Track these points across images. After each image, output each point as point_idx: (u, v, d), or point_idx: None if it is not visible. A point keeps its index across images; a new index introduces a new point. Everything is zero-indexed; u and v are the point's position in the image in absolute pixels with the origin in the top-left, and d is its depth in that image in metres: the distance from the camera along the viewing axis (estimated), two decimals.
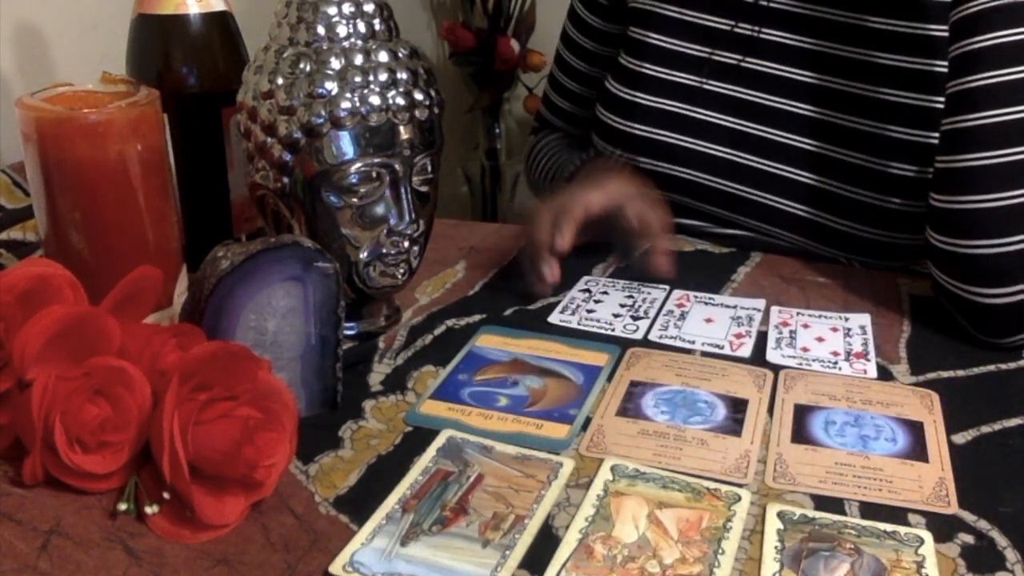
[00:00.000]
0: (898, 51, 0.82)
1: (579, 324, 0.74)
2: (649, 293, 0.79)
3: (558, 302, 0.78)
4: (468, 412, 0.62)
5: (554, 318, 0.75)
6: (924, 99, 0.81)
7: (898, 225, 0.83)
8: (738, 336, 0.72)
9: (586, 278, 0.82)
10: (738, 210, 0.90)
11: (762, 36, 0.88)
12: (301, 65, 0.64)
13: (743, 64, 0.88)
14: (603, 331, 0.73)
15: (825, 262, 0.86)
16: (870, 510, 0.53)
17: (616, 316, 0.75)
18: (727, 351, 0.70)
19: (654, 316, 0.75)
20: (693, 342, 0.71)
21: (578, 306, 0.77)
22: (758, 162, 0.88)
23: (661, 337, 0.72)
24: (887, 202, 0.83)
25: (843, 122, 0.84)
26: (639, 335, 0.73)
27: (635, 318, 0.75)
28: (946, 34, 0.72)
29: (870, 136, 0.83)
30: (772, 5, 0.87)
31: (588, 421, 0.61)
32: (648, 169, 0.91)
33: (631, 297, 0.78)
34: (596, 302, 0.77)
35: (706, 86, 0.89)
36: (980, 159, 0.68)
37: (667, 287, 0.80)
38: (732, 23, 0.89)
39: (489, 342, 0.71)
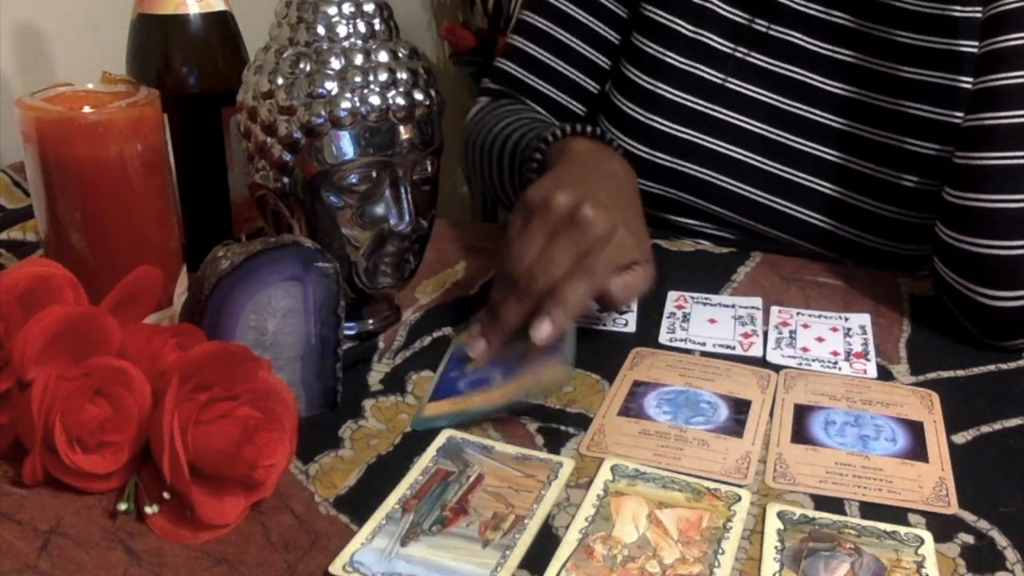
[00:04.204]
0: (924, 65, 0.81)
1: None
2: None
3: None
4: (470, 397, 0.62)
5: None
6: (947, 114, 0.81)
7: (914, 238, 0.83)
8: (746, 336, 0.72)
9: None
10: (755, 217, 0.88)
11: (789, 40, 0.86)
12: (301, 65, 0.64)
13: (769, 67, 0.86)
14: (593, 327, 0.73)
15: (825, 261, 0.86)
16: (870, 510, 0.53)
17: (600, 311, 0.75)
18: (738, 351, 0.70)
19: (637, 309, 0.75)
20: (704, 344, 0.71)
21: None
22: (781, 169, 0.86)
23: (672, 340, 0.71)
24: (903, 215, 0.82)
25: (866, 134, 0.83)
26: (631, 328, 0.73)
27: (620, 312, 0.75)
28: (975, 50, 0.72)
29: (892, 149, 0.82)
30: (798, 8, 0.86)
31: (589, 421, 0.61)
32: (665, 166, 0.88)
33: None
34: None
35: (730, 85, 0.87)
36: (999, 158, 0.68)
37: None
38: (750, 18, 0.87)
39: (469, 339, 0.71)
